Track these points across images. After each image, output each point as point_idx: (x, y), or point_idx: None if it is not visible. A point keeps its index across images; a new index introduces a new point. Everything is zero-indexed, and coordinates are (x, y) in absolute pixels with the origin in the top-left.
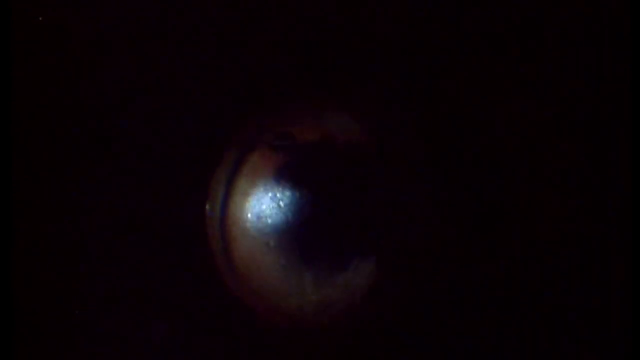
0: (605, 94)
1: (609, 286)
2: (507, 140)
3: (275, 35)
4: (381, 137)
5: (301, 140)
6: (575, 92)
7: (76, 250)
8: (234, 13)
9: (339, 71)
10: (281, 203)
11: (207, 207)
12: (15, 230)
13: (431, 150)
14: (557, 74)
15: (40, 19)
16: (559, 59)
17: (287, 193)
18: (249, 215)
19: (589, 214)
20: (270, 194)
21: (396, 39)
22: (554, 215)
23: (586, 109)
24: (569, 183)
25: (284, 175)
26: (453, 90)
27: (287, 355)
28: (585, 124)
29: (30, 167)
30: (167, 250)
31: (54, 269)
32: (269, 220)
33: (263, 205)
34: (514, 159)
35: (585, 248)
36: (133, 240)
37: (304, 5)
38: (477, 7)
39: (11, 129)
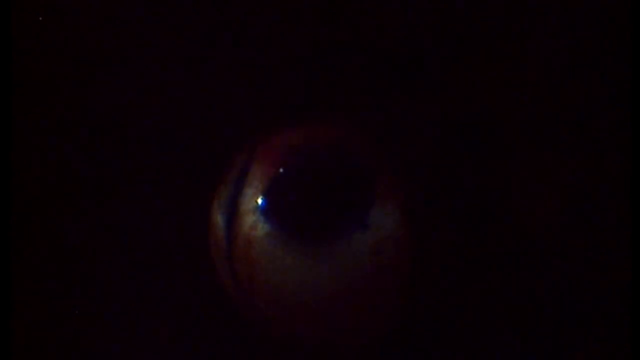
0: (605, 95)
1: (609, 288)
2: (506, 141)
3: (285, 46)
4: (385, 144)
5: (312, 150)
6: (575, 93)
7: (76, 254)
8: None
9: (347, 84)
10: (288, 211)
11: (215, 216)
12: (16, 230)
13: (430, 153)
14: (557, 74)
15: (41, 18)
16: (557, 59)
17: (294, 202)
18: (257, 223)
19: (589, 215)
20: (277, 203)
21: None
22: (553, 215)
23: (586, 110)
24: (569, 183)
25: (292, 186)
26: (452, 92)
27: None
28: (586, 125)
29: (31, 168)
30: (170, 259)
31: (54, 270)
32: (278, 229)
33: (271, 214)
34: (515, 160)
35: (585, 249)
36: (135, 246)
37: (308, 16)
38: (476, 9)
39: (12, 130)
